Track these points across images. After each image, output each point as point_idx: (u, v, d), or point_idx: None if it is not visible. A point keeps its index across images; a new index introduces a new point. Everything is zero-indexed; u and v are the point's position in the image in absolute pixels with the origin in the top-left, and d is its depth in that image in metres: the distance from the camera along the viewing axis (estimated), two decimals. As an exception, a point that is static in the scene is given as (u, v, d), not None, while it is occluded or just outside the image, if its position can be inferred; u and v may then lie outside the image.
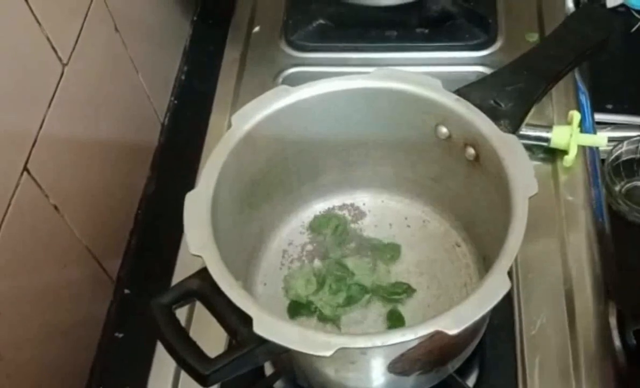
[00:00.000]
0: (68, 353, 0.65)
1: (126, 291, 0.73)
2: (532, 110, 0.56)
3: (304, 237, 0.62)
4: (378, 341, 0.41)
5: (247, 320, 0.42)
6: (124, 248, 0.76)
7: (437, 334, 0.42)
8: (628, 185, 0.83)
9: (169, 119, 0.87)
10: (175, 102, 0.88)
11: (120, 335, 0.69)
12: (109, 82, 0.73)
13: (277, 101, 0.54)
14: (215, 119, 0.72)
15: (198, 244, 0.45)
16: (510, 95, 0.54)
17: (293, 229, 0.62)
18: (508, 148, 0.49)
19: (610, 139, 0.81)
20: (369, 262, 0.59)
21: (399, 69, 0.55)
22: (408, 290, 0.58)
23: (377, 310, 0.57)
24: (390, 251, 0.60)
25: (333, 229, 0.61)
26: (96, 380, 0.67)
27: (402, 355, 0.45)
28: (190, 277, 0.45)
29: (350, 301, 0.57)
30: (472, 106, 0.52)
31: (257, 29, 0.79)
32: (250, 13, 0.82)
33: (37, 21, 0.60)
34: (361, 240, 0.61)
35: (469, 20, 0.76)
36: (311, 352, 0.40)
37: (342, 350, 0.40)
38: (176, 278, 0.62)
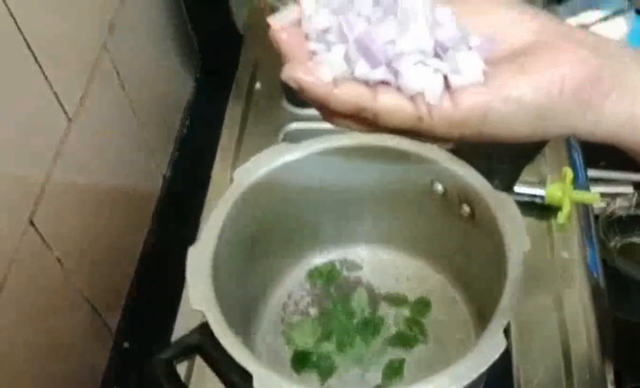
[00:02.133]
0: (66, 406, 0.65)
1: (125, 344, 0.73)
2: (525, 168, 0.58)
3: (304, 290, 0.62)
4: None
5: (247, 376, 0.42)
6: (124, 301, 0.76)
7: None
8: (623, 241, 0.84)
9: (170, 172, 0.88)
10: (177, 155, 0.90)
11: (119, 389, 0.69)
12: (113, 135, 0.75)
13: (278, 157, 0.55)
14: (217, 173, 0.73)
15: (199, 298, 0.46)
16: (503, 154, 0.56)
17: (293, 283, 0.62)
18: (501, 205, 0.51)
19: (604, 195, 0.82)
20: (371, 313, 0.60)
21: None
22: (413, 339, 0.59)
23: (377, 361, 0.58)
24: (417, 306, 0.61)
25: (331, 281, 0.62)
26: (93, 434, 0.67)
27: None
28: (191, 332, 0.46)
29: (351, 352, 0.58)
30: (466, 164, 0.53)
31: (258, 85, 0.82)
32: (252, 70, 0.84)
33: (46, 78, 0.61)
34: (362, 292, 0.62)
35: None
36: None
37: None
38: (177, 332, 0.62)
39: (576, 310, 0.63)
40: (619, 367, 0.61)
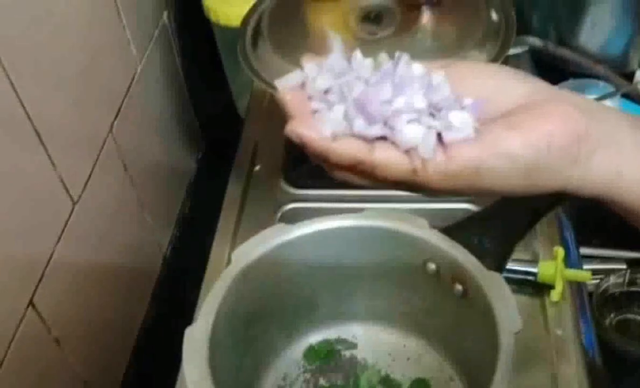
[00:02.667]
0: None
1: (121, 427, 0.72)
2: (516, 247, 0.59)
3: (299, 370, 0.63)
4: None
5: None
6: (121, 380, 0.76)
7: None
8: (618, 318, 0.84)
9: (170, 252, 0.89)
10: (178, 235, 0.91)
11: None
12: (116, 217, 0.77)
13: (275, 238, 0.57)
14: (215, 253, 0.75)
15: (196, 380, 0.46)
16: (493, 234, 0.57)
17: (288, 363, 0.63)
18: (492, 285, 0.52)
19: (597, 272, 0.83)
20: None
21: (389, 208, 0.59)
22: None
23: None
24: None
25: (328, 361, 0.62)
26: None
27: None
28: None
29: None
30: (457, 245, 0.55)
31: (258, 167, 0.84)
32: (252, 153, 0.87)
33: (52, 162, 0.64)
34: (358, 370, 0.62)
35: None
36: None
37: None
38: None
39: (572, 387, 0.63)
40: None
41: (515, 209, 0.59)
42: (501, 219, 0.59)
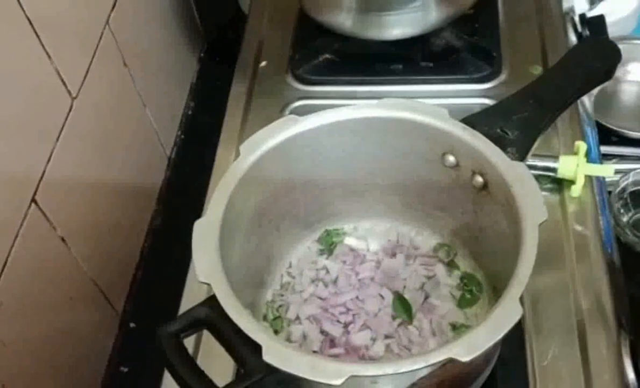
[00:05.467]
0: (73, 384, 0.65)
1: (132, 324, 0.72)
2: (539, 140, 0.57)
3: (310, 259, 0.61)
4: (389, 369, 0.40)
5: (256, 348, 0.41)
6: (130, 281, 0.76)
7: (449, 362, 0.41)
8: (635, 216, 0.83)
9: (175, 153, 0.87)
10: (182, 136, 0.89)
11: (126, 369, 0.68)
12: (117, 116, 0.74)
13: (285, 130, 0.54)
14: (222, 152, 0.72)
15: (206, 271, 0.45)
16: (516, 124, 0.54)
17: (300, 259, 0.61)
18: (516, 175, 0.49)
19: (617, 171, 0.81)
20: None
21: (406, 100, 0.56)
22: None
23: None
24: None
25: (336, 248, 0.61)
26: (100, 414, 0.66)
27: (414, 384, 0.44)
28: (198, 306, 0.45)
29: None
30: (479, 134, 0.52)
31: (263, 63, 0.80)
32: (257, 49, 0.83)
33: (48, 55, 0.60)
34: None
35: (473, 54, 0.76)
36: (322, 381, 0.40)
37: (353, 378, 0.40)
38: (183, 308, 0.61)
39: (591, 284, 0.62)
40: (635, 341, 0.60)
41: (540, 97, 0.56)
42: (525, 108, 0.55)
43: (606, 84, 0.82)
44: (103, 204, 0.71)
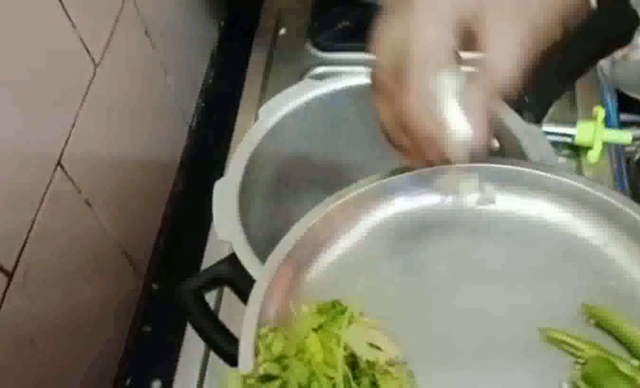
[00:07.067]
0: (98, 344, 0.67)
1: (154, 286, 0.74)
2: (556, 105, 0.57)
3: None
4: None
5: (274, 303, 0.43)
6: (153, 244, 0.77)
7: None
8: (654, 184, 0.82)
9: (196, 121, 0.88)
10: (203, 105, 0.90)
11: (149, 329, 0.70)
12: (139, 83, 0.75)
13: (304, 94, 0.55)
14: (242, 118, 0.73)
15: (226, 230, 0.46)
16: (533, 88, 0.55)
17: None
18: (531, 138, 0.50)
19: (636, 138, 0.80)
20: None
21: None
22: None
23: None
24: None
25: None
26: (124, 371, 0.68)
27: None
28: (218, 263, 0.46)
29: None
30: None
31: (283, 31, 0.81)
32: (276, 17, 0.83)
33: (72, 22, 0.62)
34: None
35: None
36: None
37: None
38: (204, 266, 0.63)
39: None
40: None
41: (556, 62, 0.56)
42: (542, 72, 0.55)
43: (628, 52, 0.81)
44: (126, 169, 0.72)
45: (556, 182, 0.38)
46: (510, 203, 0.39)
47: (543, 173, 0.39)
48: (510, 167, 0.39)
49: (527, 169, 0.39)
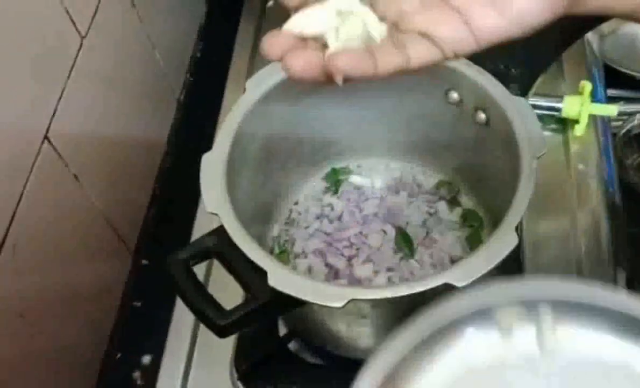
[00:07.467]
0: (88, 320, 0.67)
1: (144, 261, 0.74)
2: (542, 77, 0.57)
3: (317, 204, 0.63)
4: (388, 293, 0.42)
5: (261, 273, 0.43)
6: (142, 220, 0.77)
7: (446, 288, 0.42)
8: (640, 158, 0.83)
9: (184, 96, 0.88)
10: (191, 79, 0.89)
11: (138, 304, 0.71)
12: (126, 57, 0.75)
13: (291, 67, 0.54)
14: (230, 92, 0.73)
15: (214, 202, 0.46)
16: (519, 60, 0.55)
17: (306, 196, 0.63)
18: (517, 110, 0.50)
19: (622, 113, 0.81)
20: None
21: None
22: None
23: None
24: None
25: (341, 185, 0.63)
26: (115, 347, 0.69)
27: (413, 309, 0.46)
28: (206, 235, 0.47)
29: None
30: (483, 71, 0.52)
31: (271, 3, 0.80)
32: (265, -11, 0.83)
33: (57, -7, 0.61)
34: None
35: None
36: (323, 303, 0.42)
37: (353, 302, 0.42)
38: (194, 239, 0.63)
39: (590, 223, 0.63)
40: (632, 278, 0.61)
41: (543, 34, 0.56)
42: (528, 45, 0.56)
43: (617, 25, 0.81)
44: (114, 143, 0.72)
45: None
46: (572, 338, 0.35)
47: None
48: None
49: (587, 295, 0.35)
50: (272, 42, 0.35)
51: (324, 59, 0.34)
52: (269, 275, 0.42)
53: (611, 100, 0.78)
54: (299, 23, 0.36)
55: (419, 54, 0.34)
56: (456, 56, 0.34)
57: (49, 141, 0.60)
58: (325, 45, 0.35)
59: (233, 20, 0.83)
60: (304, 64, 0.35)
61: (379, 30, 0.35)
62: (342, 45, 0.35)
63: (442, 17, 0.33)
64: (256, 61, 0.75)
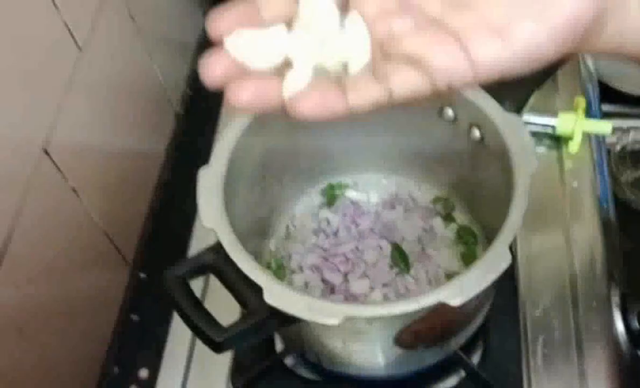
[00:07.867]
0: (85, 333, 0.67)
1: (142, 275, 0.75)
2: (536, 94, 0.58)
3: (314, 218, 0.63)
4: (383, 310, 0.42)
5: (258, 290, 0.43)
6: (140, 233, 0.78)
7: (441, 306, 0.43)
8: (635, 175, 0.84)
9: (183, 110, 0.88)
10: (190, 92, 0.90)
11: (136, 317, 0.71)
12: (124, 69, 0.75)
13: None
14: (228, 107, 0.73)
15: (211, 217, 0.47)
16: (514, 77, 0.55)
17: (302, 211, 0.63)
18: (511, 127, 0.51)
19: (617, 129, 0.81)
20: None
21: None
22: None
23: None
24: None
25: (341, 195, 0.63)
26: (112, 360, 0.69)
27: (408, 326, 0.46)
28: (203, 251, 0.47)
29: None
30: (477, 87, 0.53)
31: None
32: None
33: (55, 6, 0.61)
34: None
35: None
36: (319, 320, 0.42)
37: (349, 319, 0.42)
38: (191, 254, 0.63)
39: (584, 240, 0.63)
40: (626, 294, 0.61)
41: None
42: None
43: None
44: (112, 156, 0.72)
45: None
46: None
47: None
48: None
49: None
50: (212, 65, 0.28)
51: (281, 87, 0.28)
52: (264, 292, 0.43)
53: (606, 116, 0.79)
54: (241, 48, 0.27)
55: (405, 84, 0.29)
56: (449, 89, 0.30)
57: (48, 154, 0.61)
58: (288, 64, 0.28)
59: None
60: (252, 96, 0.28)
61: (359, 58, 0.29)
62: (310, 74, 0.28)
63: (437, 42, 0.29)
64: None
